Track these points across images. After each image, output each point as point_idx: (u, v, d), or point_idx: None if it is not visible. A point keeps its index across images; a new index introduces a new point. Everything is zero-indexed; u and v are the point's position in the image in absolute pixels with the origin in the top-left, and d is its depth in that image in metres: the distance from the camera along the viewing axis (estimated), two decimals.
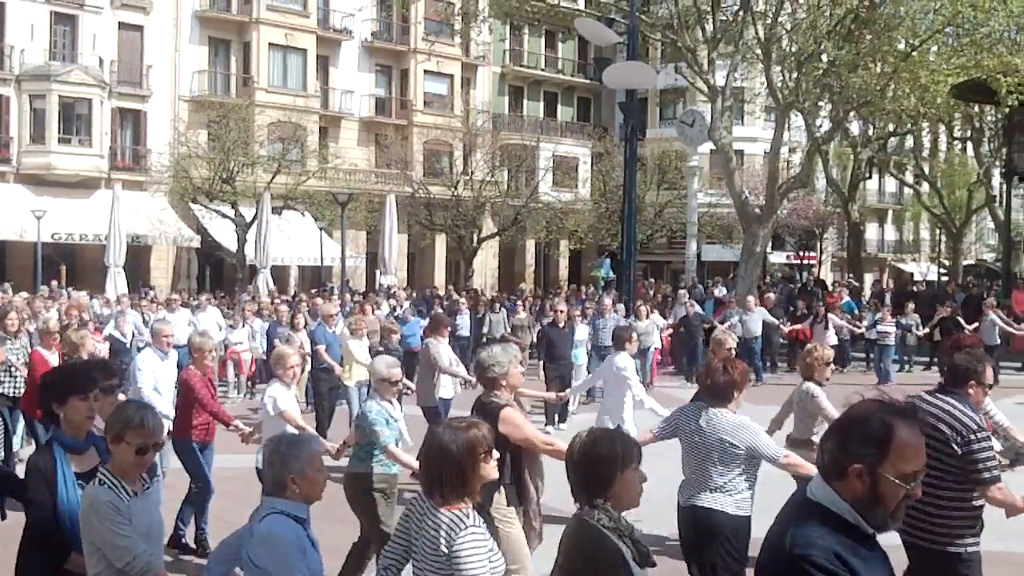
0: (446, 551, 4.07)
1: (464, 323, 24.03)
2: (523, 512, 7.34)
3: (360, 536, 7.91)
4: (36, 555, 5.00)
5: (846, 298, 28.43)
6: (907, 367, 25.26)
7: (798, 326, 23.95)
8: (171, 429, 9.21)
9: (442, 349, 13.38)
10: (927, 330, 24.96)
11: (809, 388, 8.89)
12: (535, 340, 21.90)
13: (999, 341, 23.43)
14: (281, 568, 4.21)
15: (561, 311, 18.25)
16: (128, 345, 18.29)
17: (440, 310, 22.22)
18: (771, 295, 26.96)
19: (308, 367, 15.74)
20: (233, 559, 4.62)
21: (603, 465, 4.09)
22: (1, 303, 19.30)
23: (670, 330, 24.12)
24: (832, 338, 22.55)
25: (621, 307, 21.84)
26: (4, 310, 13.04)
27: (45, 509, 4.93)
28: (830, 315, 23.57)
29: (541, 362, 17.40)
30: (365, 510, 7.79)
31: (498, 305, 25.64)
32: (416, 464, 7.82)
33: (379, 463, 7.75)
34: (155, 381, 9.91)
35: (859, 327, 24.62)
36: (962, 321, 24.13)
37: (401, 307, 24.26)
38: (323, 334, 15.79)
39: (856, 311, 27.09)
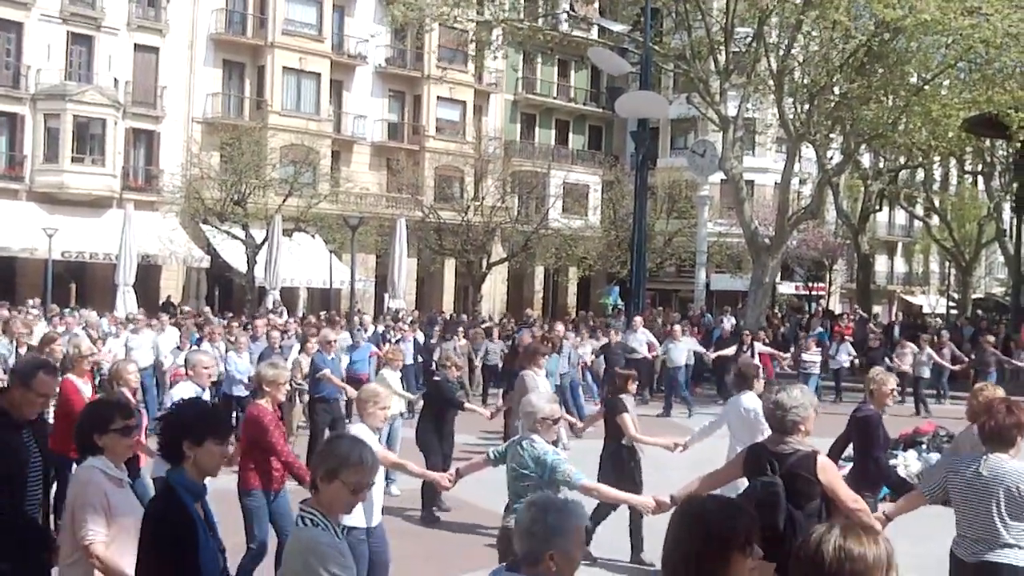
0: None
1: (408, 350, 22.52)
2: None
3: None
4: None
5: (818, 329, 28.63)
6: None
7: (724, 352, 23.79)
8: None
9: (540, 382, 12.49)
10: (849, 361, 25.62)
11: None
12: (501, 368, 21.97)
13: (928, 375, 24.34)
14: None
15: (525, 342, 17.67)
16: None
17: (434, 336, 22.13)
18: (677, 326, 25.70)
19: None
20: None
21: (871, 573, 3.08)
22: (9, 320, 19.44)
23: (592, 357, 23.93)
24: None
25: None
26: (51, 337, 12.54)
27: (188, 566, 4.48)
28: (756, 343, 23.56)
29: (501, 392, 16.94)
30: None
31: (450, 334, 25.19)
32: (625, 495, 7.62)
33: None
34: None
35: (783, 356, 24.66)
36: (887, 351, 25.14)
37: (365, 331, 23.63)
38: (323, 361, 15.00)
39: (827, 341, 27.28)
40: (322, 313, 31.77)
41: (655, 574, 9.51)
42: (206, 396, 9.41)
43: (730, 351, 23.49)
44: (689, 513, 3.39)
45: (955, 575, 6.33)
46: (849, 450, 9.14)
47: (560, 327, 23.20)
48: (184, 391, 9.22)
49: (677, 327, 24.36)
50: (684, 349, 23.11)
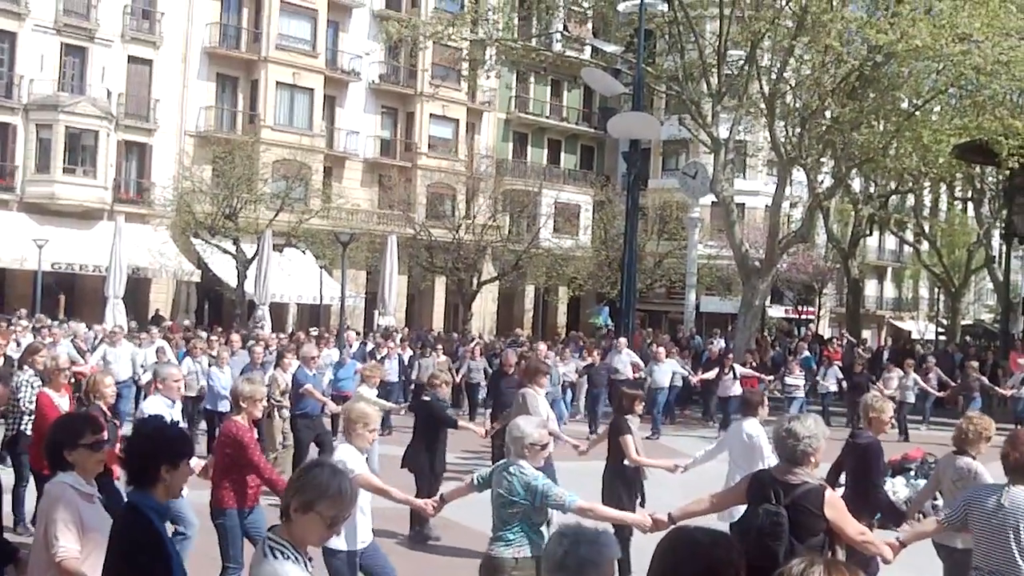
0: None
1: (392, 368, 22.68)
2: None
3: None
4: None
5: (805, 353, 28.67)
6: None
7: (707, 375, 23.82)
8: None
9: (540, 401, 12.20)
10: (837, 385, 25.66)
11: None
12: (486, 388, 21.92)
13: (914, 400, 24.36)
14: None
15: (509, 361, 17.46)
16: None
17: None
18: (661, 348, 25.60)
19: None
20: None
21: None
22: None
23: (576, 376, 23.94)
24: (736, 388, 22.68)
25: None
26: (35, 347, 12.39)
27: None
28: (736, 366, 23.59)
29: (488, 412, 16.82)
30: None
31: (429, 349, 25.19)
32: (623, 515, 7.50)
33: (531, 545, 6.65)
34: None
35: (764, 378, 24.66)
36: (871, 376, 25.18)
37: (350, 347, 23.59)
38: (304, 376, 14.84)
39: (813, 366, 27.35)
40: (312, 330, 31.72)
41: None
42: (176, 409, 9.34)
43: (712, 374, 23.56)
44: (680, 544, 3.34)
45: None
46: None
47: (543, 347, 23.23)
48: (154, 405, 9.18)
49: (661, 349, 24.39)
50: (668, 371, 23.15)
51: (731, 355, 24.83)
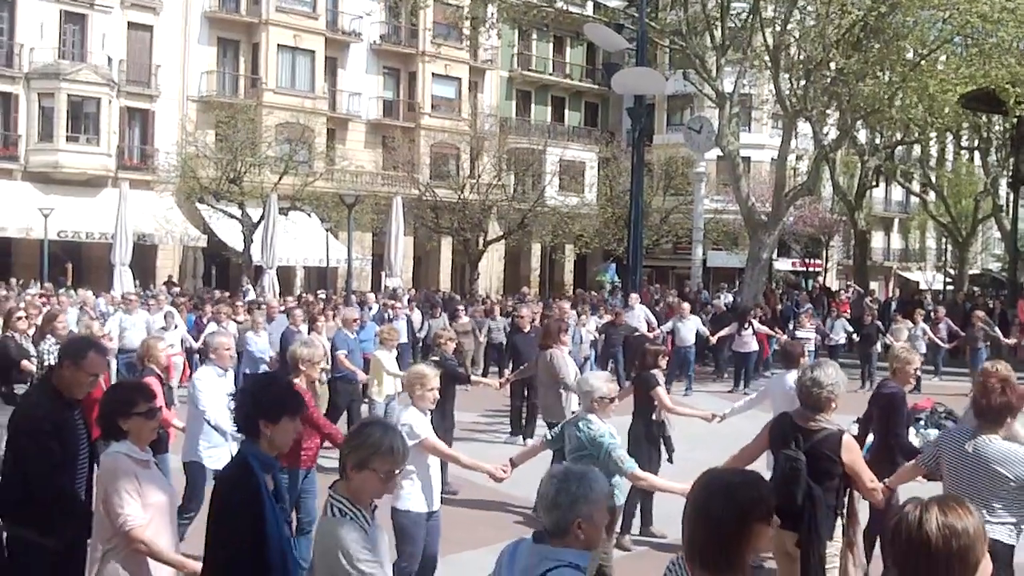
0: None
1: (400, 328, 21.99)
2: (848, 545, 6.70)
3: None
4: None
5: (807, 305, 28.64)
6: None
7: (723, 332, 23.71)
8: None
9: (567, 360, 12.29)
10: (846, 338, 25.48)
11: None
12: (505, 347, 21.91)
13: (924, 350, 23.52)
14: None
15: (523, 316, 17.59)
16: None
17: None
18: (686, 304, 25.54)
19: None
20: None
21: (974, 547, 3.01)
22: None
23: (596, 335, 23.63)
24: (754, 344, 23.07)
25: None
26: (52, 314, 12.43)
27: (252, 535, 4.55)
28: (754, 322, 23.64)
29: (507, 370, 16.75)
30: None
31: (438, 310, 25.00)
32: (669, 485, 7.38)
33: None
34: (218, 401, 8.61)
35: (778, 333, 24.54)
36: (880, 327, 25.02)
37: (370, 309, 23.64)
38: (344, 339, 14.84)
39: (819, 317, 27.41)
40: (319, 292, 31.76)
41: (668, 546, 9.54)
42: (228, 377, 9.30)
43: (730, 330, 23.50)
44: (713, 485, 3.42)
45: None
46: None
47: (566, 305, 23.17)
48: (206, 375, 9.17)
49: (686, 305, 24.15)
50: (693, 328, 22.77)
51: (750, 311, 24.83)
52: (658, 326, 23.37)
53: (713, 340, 23.56)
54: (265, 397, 4.80)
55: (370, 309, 23.48)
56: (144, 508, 5.15)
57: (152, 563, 5.20)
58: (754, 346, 23.18)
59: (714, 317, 26.04)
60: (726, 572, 3.33)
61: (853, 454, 6.36)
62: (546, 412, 12.28)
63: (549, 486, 3.81)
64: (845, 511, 6.58)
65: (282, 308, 20.79)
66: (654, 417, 10.27)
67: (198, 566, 5.00)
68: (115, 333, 17.65)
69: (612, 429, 7.22)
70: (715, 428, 10.65)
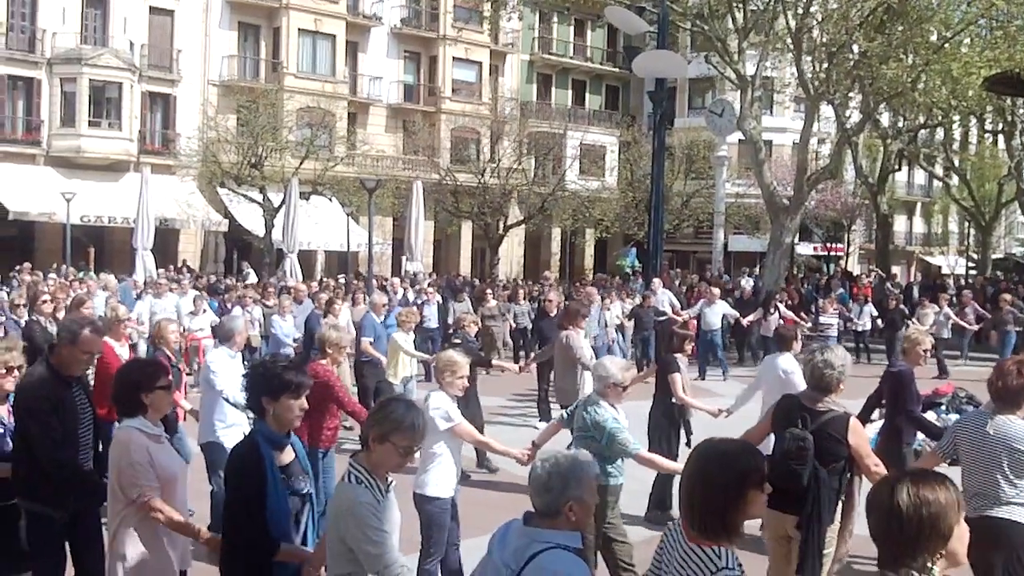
0: None
1: (431, 314, 22.55)
2: (842, 529, 6.74)
3: (608, 562, 7.41)
4: (242, 551, 4.90)
5: (840, 290, 28.46)
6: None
7: (751, 317, 23.59)
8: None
9: (583, 342, 12.32)
10: (872, 322, 25.48)
11: None
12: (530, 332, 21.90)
13: (949, 335, 23.87)
14: None
15: (551, 301, 17.61)
16: None
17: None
18: (715, 288, 25.34)
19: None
20: None
21: (945, 515, 3.24)
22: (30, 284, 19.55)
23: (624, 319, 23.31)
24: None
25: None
26: (80, 299, 12.61)
27: (252, 502, 4.82)
28: (780, 306, 23.63)
29: (533, 354, 16.49)
30: (599, 525, 7.26)
31: (463, 293, 24.83)
32: (677, 466, 7.49)
33: (611, 476, 7.19)
34: (232, 380, 8.76)
35: (804, 319, 24.40)
36: (906, 311, 24.89)
37: (395, 294, 23.71)
38: (372, 325, 14.85)
39: (848, 303, 27.16)
40: (339, 277, 31.83)
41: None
42: (238, 359, 9.49)
43: (757, 315, 23.43)
44: (710, 454, 3.66)
45: None
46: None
47: (592, 289, 23.14)
48: (218, 356, 9.39)
49: (716, 289, 24.05)
50: (720, 312, 22.70)
51: (777, 295, 24.77)
52: (681, 309, 23.32)
53: (745, 323, 23.47)
54: (267, 376, 5.03)
55: (396, 294, 23.48)
56: (156, 480, 5.34)
57: (166, 530, 5.40)
58: None
59: (739, 301, 25.93)
60: (721, 535, 3.59)
61: (859, 437, 6.42)
62: (560, 394, 12.33)
63: (541, 470, 3.93)
64: (844, 495, 6.61)
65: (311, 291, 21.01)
66: (674, 400, 10.29)
67: (210, 534, 5.45)
68: (145, 317, 17.79)
69: (619, 414, 7.29)
70: (730, 420, 10.60)
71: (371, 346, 14.46)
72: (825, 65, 28.96)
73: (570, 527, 3.86)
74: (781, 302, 24.38)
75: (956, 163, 51.63)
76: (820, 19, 29.22)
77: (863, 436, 6.45)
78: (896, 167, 50.40)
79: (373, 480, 4.52)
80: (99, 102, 41.29)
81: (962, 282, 40.58)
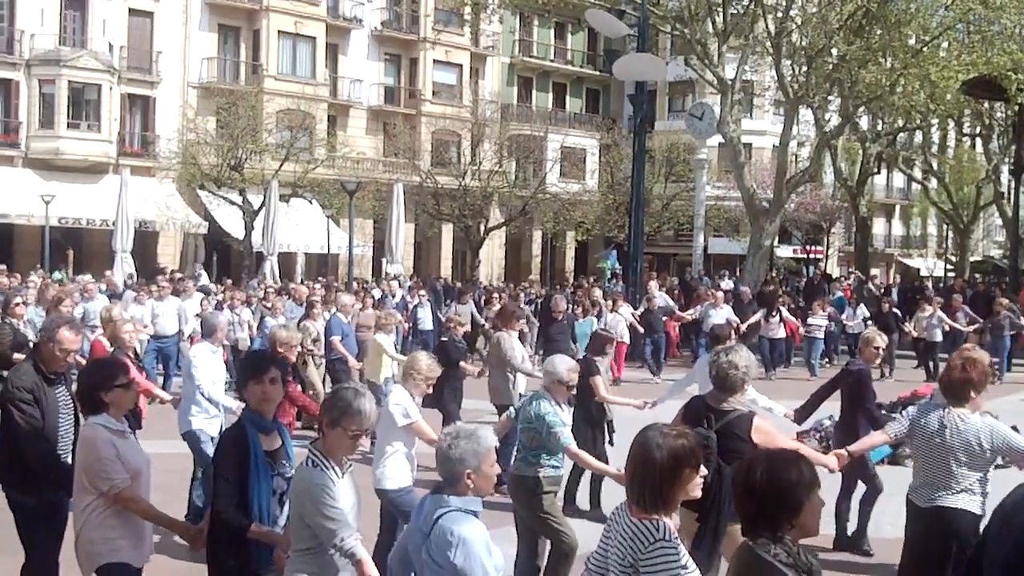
0: (632, 562, 4.02)
1: (425, 316, 23.03)
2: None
3: (551, 548, 7.63)
4: (224, 526, 5.21)
5: (838, 293, 28.45)
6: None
7: (752, 320, 23.44)
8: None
9: (515, 343, 12.43)
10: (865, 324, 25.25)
11: None
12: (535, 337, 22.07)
13: (942, 338, 23.13)
14: (475, 567, 4.25)
15: (559, 307, 17.75)
16: None
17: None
18: (720, 292, 25.13)
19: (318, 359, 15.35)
20: (407, 561, 4.66)
21: (793, 491, 3.64)
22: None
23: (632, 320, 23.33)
24: (782, 331, 23.19)
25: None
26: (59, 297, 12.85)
27: (235, 480, 5.17)
28: (782, 310, 23.64)
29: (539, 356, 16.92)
30: (537, 514, 7.54)
31: (467, 296, 24.87)
32: (603, 466, 8.17)
33: (550, 467, 7.49)
34: (212, 375, 9.48)
35: (798, 325, 24.38)
36: (899, 314, 24.57)
37: (393, 297, 23.97)
38: (339, 324, 15.13)
39: (845, 306, 27.14)
40: (319, 279, 31.77)
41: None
42: (218, 355, 9.94)
43: (758, 317, 23.39)
44: (650, 437, 4.10)
45: (911, 521, 6.63)
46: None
47: (598, 292, 23.15)
48: (200, 351, 9.80)
49: (720, 293, 23.91)
50: (723, 316, 22.02)
51: (780, 297, 24.78)
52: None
53: (743, 328, 23.37)
54: (241, 366, 5.64)
55: (392, 297, 23.69)
56: (126, 472, 5.55)
57: (135, 520, 5.63)
58: (782, 333, 23.17)
59: (737, 305, 25.85)
60: (660, 509, 4.05)
61: (764, 435, 6.47)
62: (493, 394, 12.35)
63: (444, 443, 4.44)
64: None
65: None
66: (596, 400, 10.43)
67: (186, 523, 5.88)
68: (147, 319, 17.83)
69: (561, 411, 7.54)
70: (655, 411, 10.69)
71: (339, 343, 14.78)
72: (804, 69, 29.11)
73: (471, 493, 4.39)
74: (784, 305, 24.35)
75: (935, 166, 51.98)
76: (799, 23, 29.37)
77: (768, 433, 6.55)
78: (875, 170, 50.66)
79: (328, 463, 4.81)
80: (78, 104, 41.09)
81: (941, 285, 40.76)
